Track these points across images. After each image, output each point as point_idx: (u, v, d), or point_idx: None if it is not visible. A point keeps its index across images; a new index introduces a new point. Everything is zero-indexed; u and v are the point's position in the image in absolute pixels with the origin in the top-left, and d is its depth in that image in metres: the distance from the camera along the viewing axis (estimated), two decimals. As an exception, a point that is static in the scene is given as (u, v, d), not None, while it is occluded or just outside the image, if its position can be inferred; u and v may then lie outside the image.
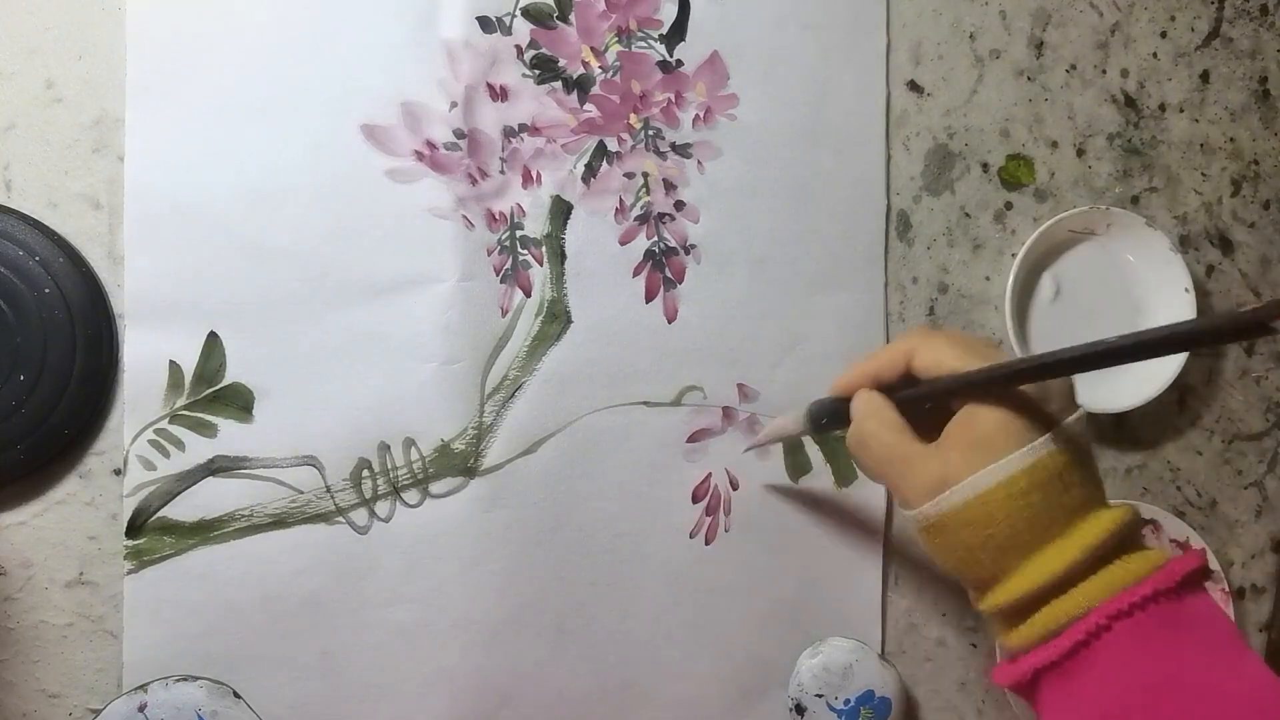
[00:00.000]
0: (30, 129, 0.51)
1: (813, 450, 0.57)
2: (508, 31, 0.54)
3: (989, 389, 0.40)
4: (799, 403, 0.57)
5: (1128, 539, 0.39)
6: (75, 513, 0.51)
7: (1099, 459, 0.60)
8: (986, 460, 0.39)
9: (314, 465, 0.53)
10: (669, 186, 0.56)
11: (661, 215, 0.56)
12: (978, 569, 0.40)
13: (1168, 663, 0.36)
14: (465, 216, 0.54)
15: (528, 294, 0.55)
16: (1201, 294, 0.61)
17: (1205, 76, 0.62)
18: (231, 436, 0.52)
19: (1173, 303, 0.59)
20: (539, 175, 0.55)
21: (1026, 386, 0.40)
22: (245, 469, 0.52)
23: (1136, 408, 0.58)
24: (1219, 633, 0.37)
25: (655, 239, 0.56)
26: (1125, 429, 0.61)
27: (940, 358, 0.42)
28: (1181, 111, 0.62)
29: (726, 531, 0.57)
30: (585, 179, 0.55)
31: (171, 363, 0.51)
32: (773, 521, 0.57)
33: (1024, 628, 0.39)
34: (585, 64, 0.55)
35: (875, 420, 0.43)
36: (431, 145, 0.53)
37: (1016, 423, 0.39)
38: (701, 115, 0.56)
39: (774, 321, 0.57)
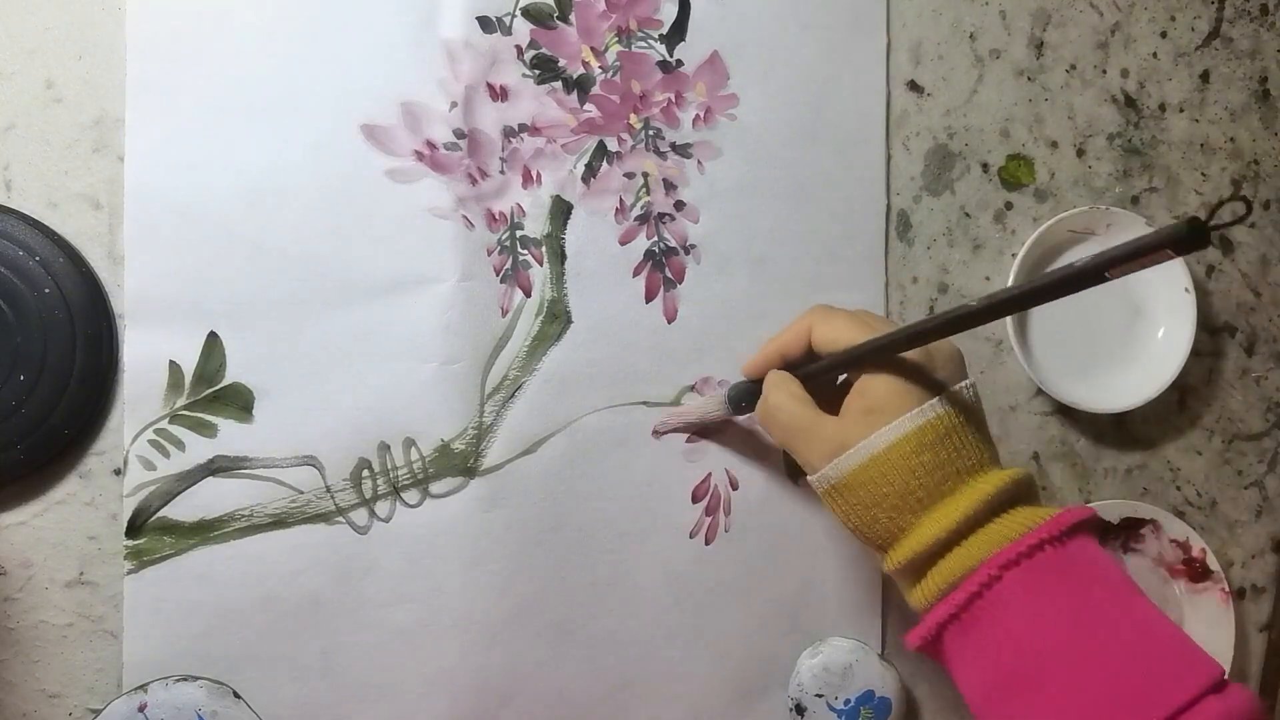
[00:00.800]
0: (30, 129, 0.51)
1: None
2: (508, 31, 0.54)
3: (880, 360, 0.42)
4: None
5: (1019, 497, 0.41)
6: (75, 513, 0.51)
7: (1099, 459, 0.61)
8: (880, 424, 0.41)
9: (314, 465, 0.53)
10: (669, 186, 0.56)
11: (661, 215, 0.56)
12: (877, 528, 0.42)
13: (1056, 607, 0.38)
14: (465, 216, 0.54)
15: (528, 294, 0.55)
16: (1202, 294, 0.61)
17: (1205, 76, 0.62)
18: (231, 436, 0.52)
19: (1173, 303, 0.59)
20: (539, 175, 0.55)
21: (916, 357, 0.42)
22: (245, 469, 0.52)
23: (1136, 408, 0.58)
24: (1109, 576, 0.39)
25: (655, 239, 0.56)
26: (1125, 429, 0.61)
27: (836, 334, 0.45)
28: (1181, 111, 0.62)
29: (726, 531, 0.57)
30: (585, 179, 0.55)
31: (171, 363, 0.51)
32: (773, 521, 0.57)
33: (923, 585, 0.41)
34: (585, 64, 0.55)
35: (781, 393, 0.46)
36: (431, 145, 0.53)
37: (906, 388, 0.42)
38: (701, 115, 0.56)
39: (774, 321, 0.57)
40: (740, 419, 0.56)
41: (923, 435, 0.41)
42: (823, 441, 0.43)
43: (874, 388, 0.42)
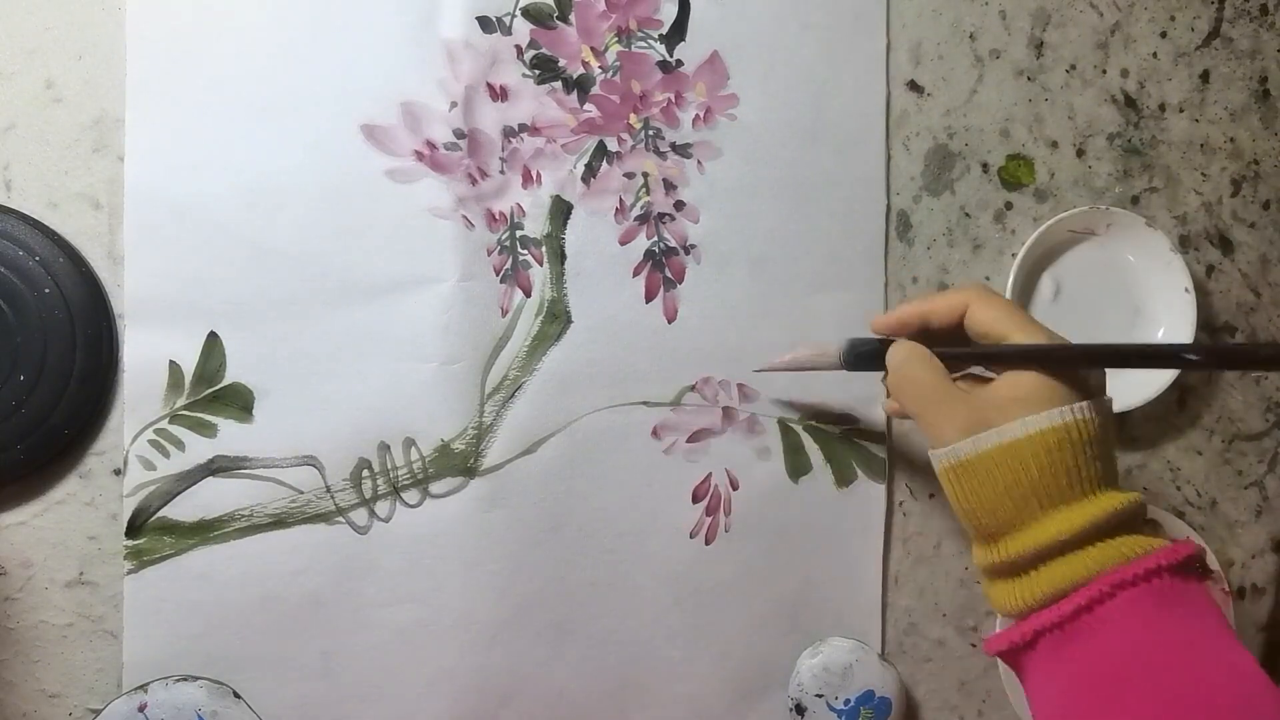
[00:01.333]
0: (30, 129, 0.51)
1: (813, 450, 0.57)
2: (508, 31, 0.54)
3: (1032, 359, 0.42)
4: (801, 399, 0.57)
5: (1137, 520, 0.41)
6: (75, 513, 0.51)
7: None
8: (1025, 412, 0.40)
9: (314, 465, 0.53)
10: (669, 186, 0.56)
11: (661, 215, 0.56)
12: (997, 515, 0.41)
13: (1164, 638, 0.37)
14: (465, 216, 0.54)
15: (528, 294, 0.55)
16: (1202, 294, 0.61)
17: (1205, 76, 0.62)
18: (231, 436, 0.52)
19: (1173, 303, 0.59)
20: (539, 175, 0.55)
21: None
22: (245, 469, 0.52)
23: (1136, 408, 0.58)
24: (1213, 620, 0.38)
25: (655, 239, 0.56)
26: (1125, 429, 0.61)
27: (996, 323, 0.43)
28: (1181, 111, 0.62)
29: (726, 531, 0.57)
30: (585, 179, 0.55)
31: (171, 363, 0.51)
32: (773, 521, 0.57)
33: (1025, 584, 0.40)
34: (585, 64, 0.55)
35: (922, 363, 0.44)
36: (431, 145, 0.53)
37: (1056, 386, 0.41)
38: (701, 115, 0.56)
39: (774, 321, 0.57)
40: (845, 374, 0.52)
41: (1069, 433, 0.40)
42: (964, 415, 0.42)
43: (1025, 380, 0.42)
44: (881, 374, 0.48)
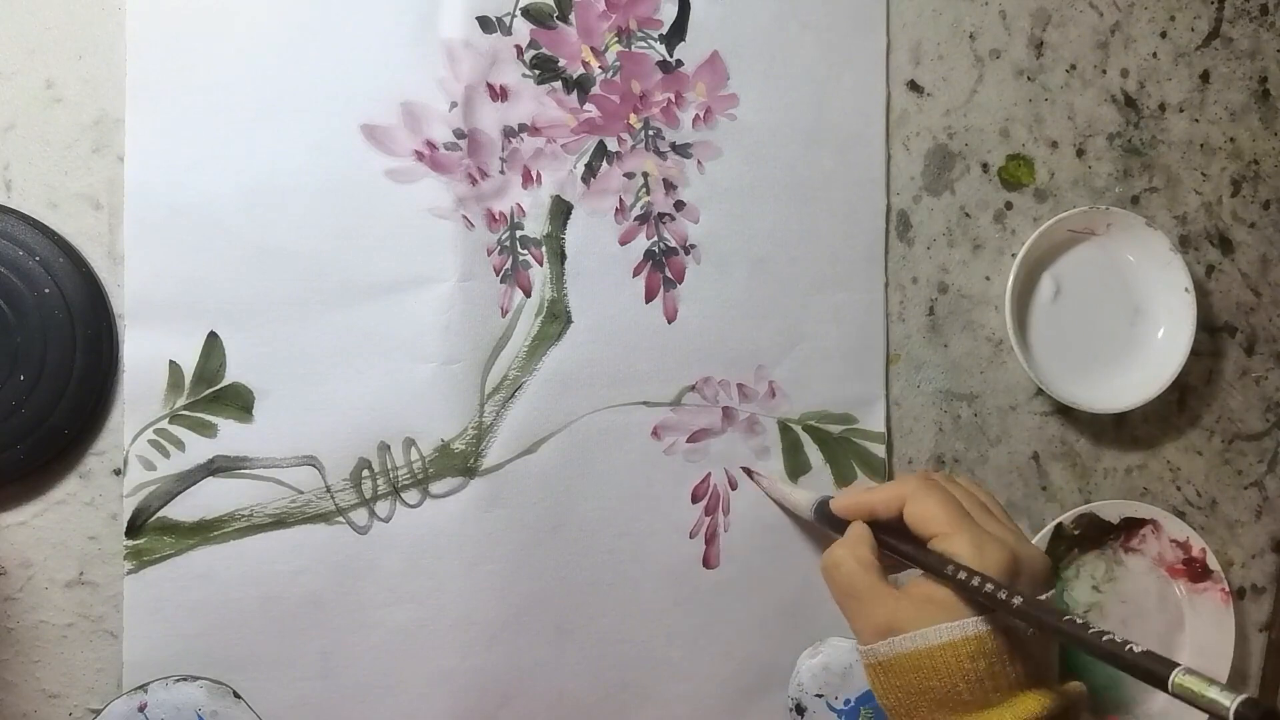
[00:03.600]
0: (30, 129, 0.51)
1: (812, 450, 0.57)
2: (508, 31, 0.54)
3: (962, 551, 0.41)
4: (806, 401, 0.57)
5: (1067, 715, 0.40)
6: (75, 513, 0.51)
7: (1099, 459, 0.61)
8: (940, 617, 0.40)
9: (314, 465, 0.53)
10: (669, 186, 0.56)
11: (661, 215, 0.56)
12: (914, 715, 0.41)
13: None
14: (465, 216, 0.54)
15: (528, 294, 0.55)
16: (1202, 294, 0.61)
17: (1205, 76, 0.62)
18: (231, 436, 0.52)
19: (1173, 303, 0.59)
20: (539, 175, 0.55)
21: (1001, 560, 0.41)
22: (245, 469, 0.52)
23: (1136, 408, 0.58)
24: None
25: (655, 239, 0.56)
26: (1125, 429, 0.61)
27: (925, 522, 0.43)
28: (1181, 111, 0.62)
29: (726, 531, 0.57)
30: (585, 179, 0.55)
31: (171, 363, 0.51)
32: (773, 521, 0.57)
33: None
34: (585, 64, 0.55)
35: (846, 550, 0.45)
36: (431, 145, 0.53)
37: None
38: (701, 115, 0.56)
39: (774, 321, 0.57)
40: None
41: (983, 643, 0.39)
42: (873, 617, 0.42)
43: (942, 586, 0.41)
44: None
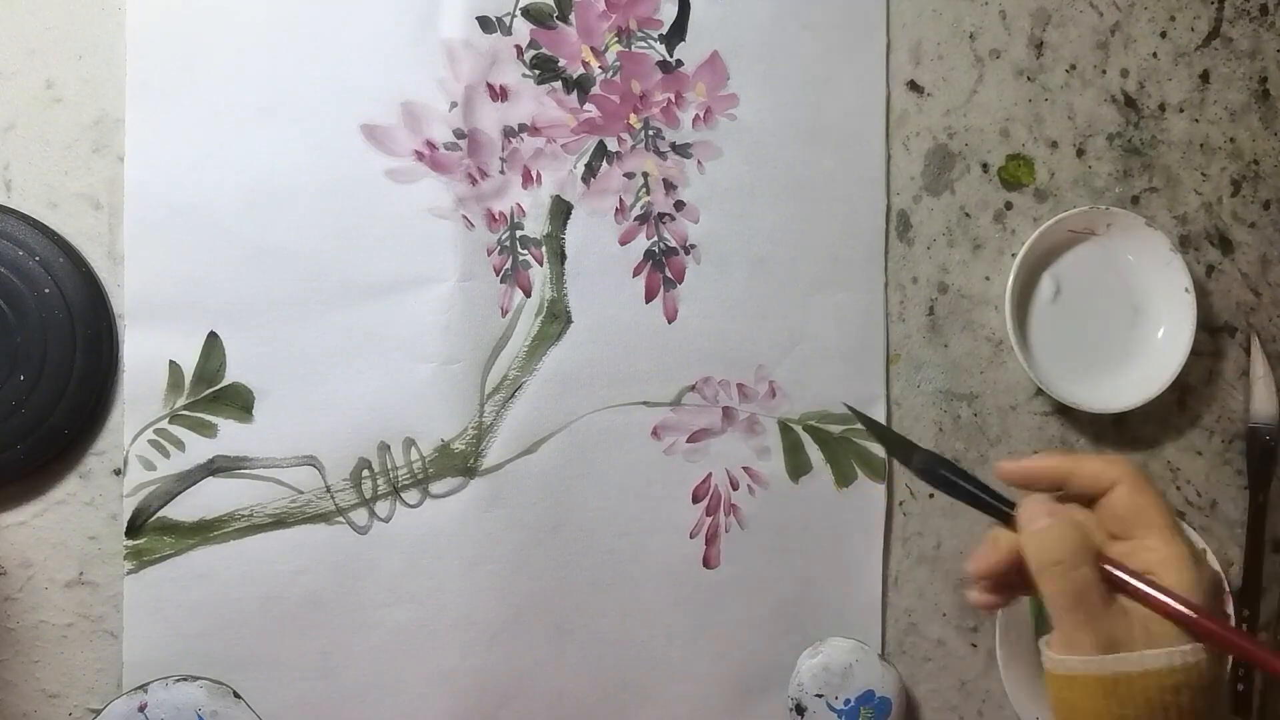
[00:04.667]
0: (30, 129, 0.51)
1: (813, 450, 0.57)
2: (508, 31, 0.54)
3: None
4: (806, 401, 0.57)
5: None
6: (75, 513, 0.51)
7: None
8: (1163, 641, 0.36)
9: (314, 465, 0.53)
10: (669, 186, 0.56)
11: (661, 215, 0.56)
12: None
13: None
14: (465, 216, 0.54)
15: (528, 294, 0.55)
16: (1202, 294, 0.61)
17: (1205, 76, 0.62)
18: (231, 436, 0.52)
19: (1173, 303, 0.59)
20: (539, 175, 0.55)
21: (1205, 588, 0.37)
22: (245, 469, 0.52)
23: (1136, 408, 0.58)
24: None
25: (655, 239, 0.56)
26: (1125, 429, 0.61)
27: (1147, 508, 0.38)
28: (1181, 111, 0.62)
29: (726, 531, 0.57)
30: (585, 179, 0.55)
31: (171, 363, 0.51)
32: (773, 521, 0.57)
33: None
34: (585, 64, 0.55)
35: (1076, 546, 0.38)
36: (431, 145, 0.53)
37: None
38: (701, 115, 0.56)
39: (774, 321, 0.57)
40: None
41: (1188, 675, 0.36)
42: (1102, 630, 0.37)
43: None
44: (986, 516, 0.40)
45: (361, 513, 0.53)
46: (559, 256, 0.55)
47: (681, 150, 0.56)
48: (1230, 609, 0.60)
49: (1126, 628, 0.37)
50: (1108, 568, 0.38)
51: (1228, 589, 0.39)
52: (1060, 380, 0.58)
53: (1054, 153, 0.61)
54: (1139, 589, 0.37)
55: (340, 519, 0.53)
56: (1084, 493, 0.39)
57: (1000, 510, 0.39)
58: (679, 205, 0.56)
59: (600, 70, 0.55)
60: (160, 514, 0.51)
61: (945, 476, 0.41)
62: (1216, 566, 0.39)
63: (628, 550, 0.56)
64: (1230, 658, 0.35)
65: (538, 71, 0.54)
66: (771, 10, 0.57)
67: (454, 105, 0.53)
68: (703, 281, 0.56)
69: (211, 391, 0.52)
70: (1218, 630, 0.36)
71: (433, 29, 0.53)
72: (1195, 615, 0.36)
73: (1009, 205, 0.60)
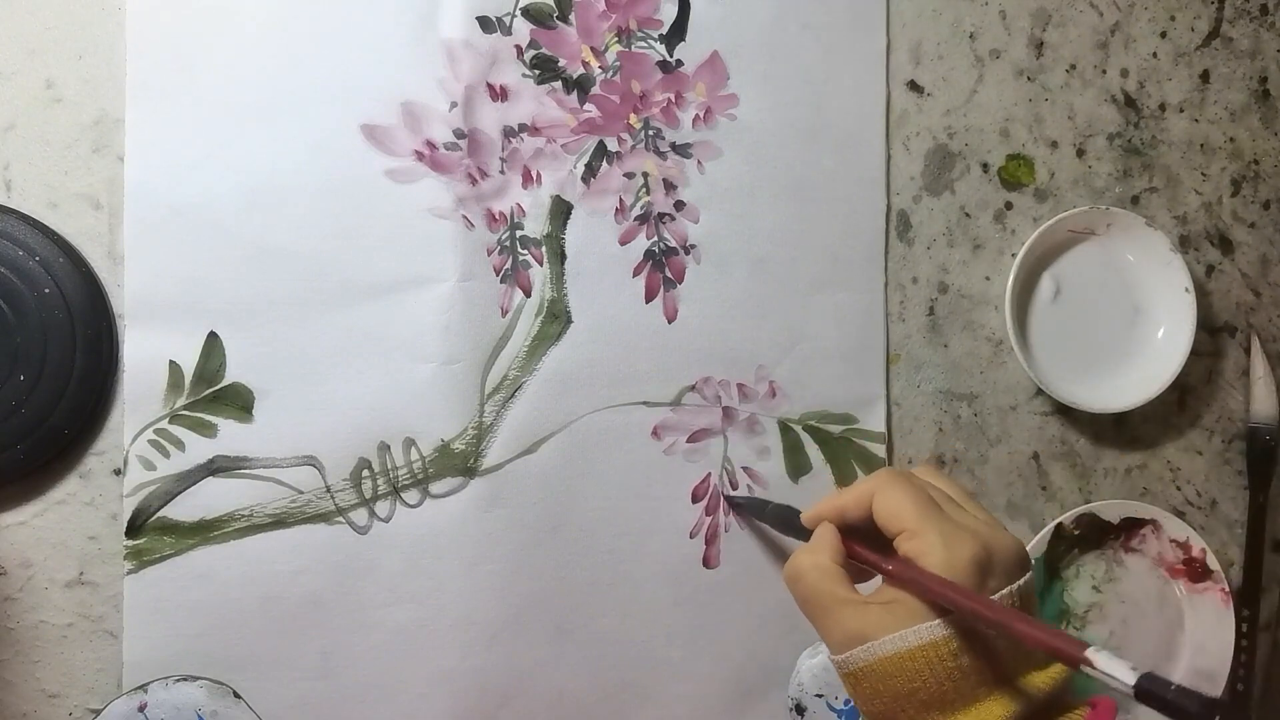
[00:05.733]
0: (30, 129, 0.51)
1: (813, 450, 0.57)
2: (508, 31, 0.54)
3: (932, 541, 0.40)
4: (806, 401, 0.57)
5: (1057, 699, 0.39)
6: (75, 513, 0.51)
7: (1099, 459, 0.61)
8: (907, 621, 0.39)
9: (314, 465, 0.53)
10: (669, 186, 0.56)
11: (661, 215, 0.56)
12: (897, 719, 0.40)
13: None
14: (465, 216, 0.54)
15: (528, 294, 0.55)
16: (1201, 294, 0.61)
17: (1205, 76, 0.62)
18: (231, 436, 0.52)
19: (1172, 303, 0.59)
20: (539, 175, 0.55)
21: (974, 550, 0.39)
22: (245, 469, 0.52)
23: (1136, 408, 0.58)
24: None
25: (655, 239, 0.56)
26: (1125, 429, 0.61)
27: (895, 510, 0.41)
28: (1181, 111, 0.62)
29: (726, 531, 0.57)
30: (585, 179, 0.55)
31: (171, 363, 0.51)
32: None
33: None
34: (585, 64, 0.55)
35: (808, 559, 0.43)
36: (431, 145, 0.53)
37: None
38: (701, 115, 0.56)
39: (774, 321, 0.57)
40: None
41: (958, 640, 0.38)
42: (842, 627, 0.40)
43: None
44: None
45: (361, 513, 0.53)
46: (559, 256, 0.55)
47: (681, 150, 0.56)
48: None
49: (870, 619, 0.40)
50: (855, 550, 0.43)
51: (1017, 559, 0.41)
52: (1060, 380, 0.59)
53: (1054, 153, 0.61)
54: (866, 556, 0.42)
55: (340, 519, 0.53)
56: (863, 516, 0.43)
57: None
58: (679, 205, 0.56)
59: (600, 70, 0.55)
60: (160, 514, 0.51)
61: (786, 520, 0.49)
62: (1007, 539, 0.41)
63: (628, 550, 0.56)
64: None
65: (538, 71, 0.54)
66: (771, 10, 0.57)
67: (454, 105, 0.53)
68: (703, 281, 0.56)
69: (211, 391, 0.52)
70: (940, 591, 0.38)
71: (433, 29, 0.53)
72: (910, 577, 0.39)
73: (1009, 205, 0.60)
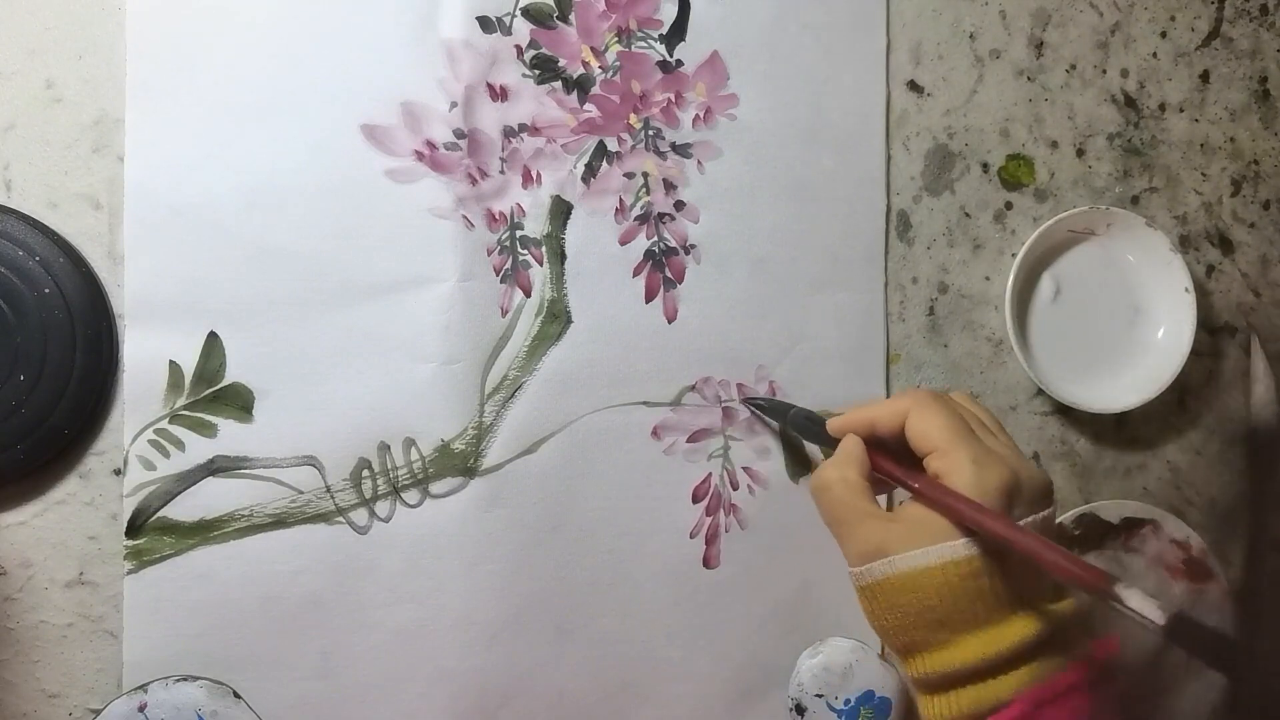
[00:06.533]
0: (30, 129, 0.51)
1: (813, 450, 0.57)
2: (508, 31, 0.54)
3: (958, 461, 0.40)
4: (806, 401, 0.57)
5: (1065, 632, 0.40)
6: (75, 513, 0.51)
7: (1099, 459, 0.61)
8: (928, 540, 0.39)
9: (314, 465, 0.53)
10: (669, 186, 0.56)
11: (661, 215, 0.56)
12: (909, 635, 0.40)
13: None
14: (465, 216, 0.54)
15: (528, 294, 0.55)
16: (1202, 294, 0.61)
17: (1205, 76, 0.62)
18: (231, 436, 0.52)
19: (1173, 303, 0.59)
20: (539, 175, 0.55)
21: (1003, 477, 0.40)
22: (245, 469, 0.52)
23: (1136, 408, 0.58)
24: None
25: (655, 239, 0.56)
26: (1125, 429, 0.61)
27: (925, 437, 0.42)
28: (1181, 111, 0.62)
29: (726, 531, 0.57)
30: (585, 179, 0.55)
31: (171, 363, 0.51)
32: (773, 521, 0.57)
33: (947, 701, 0.40)
34: (585, 64, 0.55)
35: (835, 471, 0.44)
36: (431, 145, 0.53)
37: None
38: (701, 115, 0.56)
39: (774, 321, 0.57)
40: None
41: (974, 564, 0.39)
42: (864, 540, 0.41)
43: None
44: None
45: (361, 513, 0.53)
46: (559, 256, 0.55)
47: (681, 150, 0.56)
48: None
49: (893, 535, 0.40)
50: (880, 464, 0.43)
51: (1044, 489, 0.41)
52: (1060, 380, 0.59)
53: (1054, 153, 0.61)
54: (893, 472, 0.43)
55: (340, 519, 0.53)
56: (893, 431, 0.43)
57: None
58: (679, 205, 0.56)
59: (600, 70, 0.55)
60: (160, 514, 0.51)
61: (804, 425, 0.51)
62: (1033, 469, 0.41)
63: (628, 550, 0.56)
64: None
65: (538, 71, 0.54)
66: (771, 10, 0.57)
67: (454, 105, 0.53)
68: (703, 281, 0.56)
69: (211, 391, 0.52)
70: (969, 513, 0.39)
71: (433, 29, 0.53)
72: (939, 496, 0.39)
73: (1009, 205, 0.60)
